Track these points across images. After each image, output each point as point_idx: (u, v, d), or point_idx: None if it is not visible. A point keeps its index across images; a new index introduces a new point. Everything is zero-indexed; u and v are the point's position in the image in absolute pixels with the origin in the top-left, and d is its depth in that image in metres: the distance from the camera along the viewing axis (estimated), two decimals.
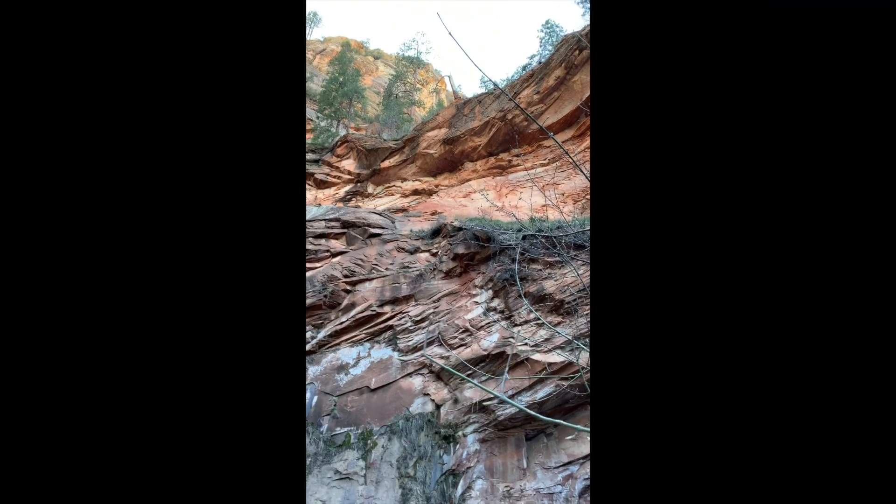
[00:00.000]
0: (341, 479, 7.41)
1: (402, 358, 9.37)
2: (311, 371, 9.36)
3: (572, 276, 8.91)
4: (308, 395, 8.88)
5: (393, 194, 17.43)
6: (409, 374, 9.08)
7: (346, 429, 8.22)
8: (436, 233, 12.63)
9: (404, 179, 17.65)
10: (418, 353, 9.42)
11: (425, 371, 9.19)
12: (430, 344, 9.53)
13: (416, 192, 17.27)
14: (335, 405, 8.65)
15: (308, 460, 7.74)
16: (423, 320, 10.04)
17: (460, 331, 9.46)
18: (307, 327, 10.61)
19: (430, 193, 17.05)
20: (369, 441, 7.95)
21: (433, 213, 15.18)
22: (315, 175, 18.44)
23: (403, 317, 10.18)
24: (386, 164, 17.86)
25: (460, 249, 10.94)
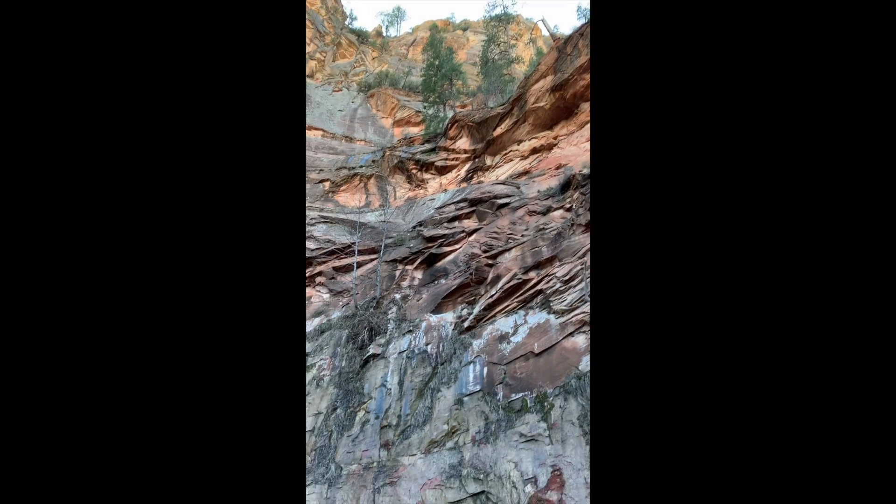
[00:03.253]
0: (527, 441, 7.71)
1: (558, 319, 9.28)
2: (476, 344, 9.88)
3: None
4: (478, 367, 9.41)
5: (512, 160, 17.13)
6: (571, 334, 8.94)
7: (520, 394, 8.51)
8: (565, 187, 12.08)
9: (520, 141, 17.17)
10: (577, 312, 9.22)
11: (587, 328, 8.94)
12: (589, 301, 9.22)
13: (534, 151, 16.68)
14: (505, 373, 9.01)
15: (492, 426, 8.24)
16: (572, 278, 9.76)
17: None
18: (461, 306, 11.19)
19: (550, 148, 16.29)
20: (546, 403, 8.10)
21: (558, 168, 14.51)
22: (435, 163, 19.12)
23: (551, 279, 10.04)
24: (498, 131, 17.59)
25: None
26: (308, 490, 8.95)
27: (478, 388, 9.04)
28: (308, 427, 10.21)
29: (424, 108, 25.62)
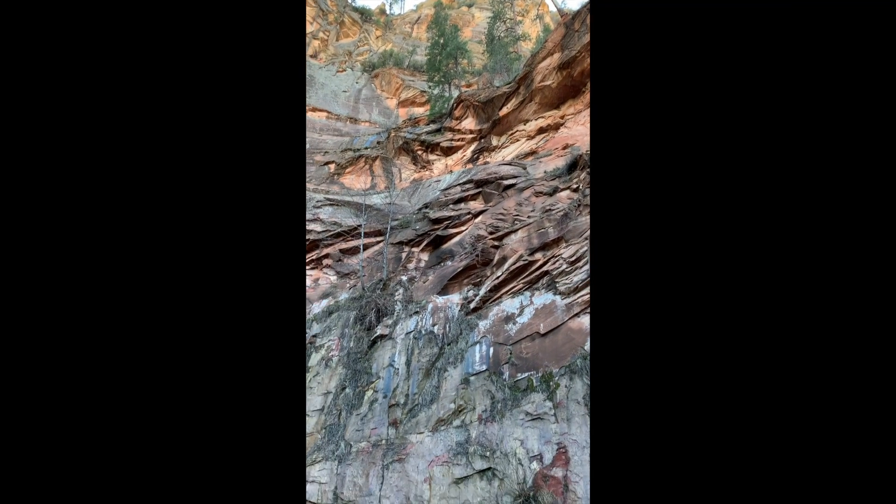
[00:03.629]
0: (533, 419, 7.83)
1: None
2: (482, 325, 9.96)
3: None
4: (484, 347, 9.50)
5: (518, 140, 16.94)
6: (577, 315, 8.97)
7: (526, 374, 8.60)
8: (572, 167, 11.96)
9: (526, 121, 16.95)
10: (582, 293, 9.23)
11: None
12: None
13: (541, 131, 16.47)
14: (511, 353, 9.09)
15: (499, 405, 8.36)
16: (578, 259, 9.74)
17: None
18: (467, 287, 11.24)
19: (556, 127, 16.08)
20: (551, 382, 8.19)
21: (564, 148, 14.35)
22: (440, 144, 18.96)
23: (557, 260, 10.03)
24: (504, 111, 17.36)
25: None
26: (318, 466, 9.19)
27: (484, 367, 9.15)
28: (318, 406, 10.43)
29: (429, 87, 25.25)
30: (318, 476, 9.00)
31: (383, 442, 9.07)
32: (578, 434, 7.23)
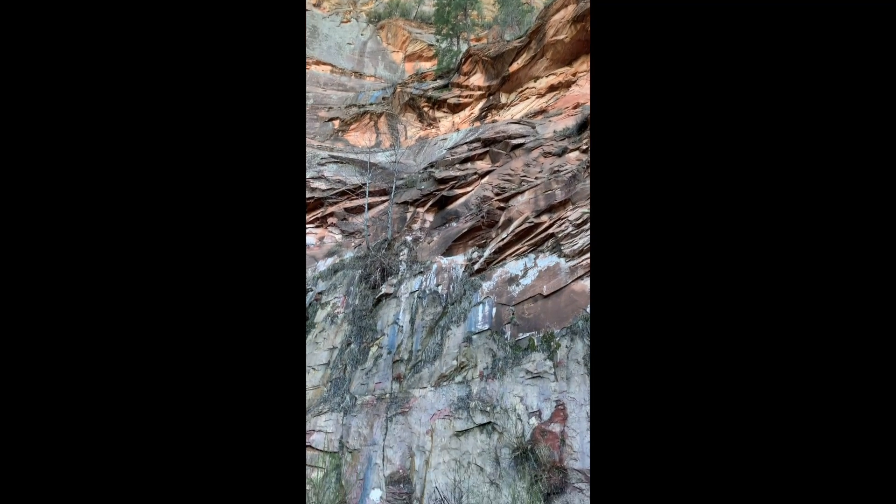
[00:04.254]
0: (533, 377, 8.04)
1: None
2: (485, 286, 10.05)
3: None
4: (487, 307, 9.63)
5: (528, 98, 16.42)
6: (580, 277, 9.00)
7: (527, 334, 8.75)
8: (582, 127, 11.64)
9: (537, 78, 16.36)
10: (587, 256, 9.21)
11: None
12: None
13: (552, 89, 15.93)
14: (513, 314, 9.21)
15: (500, 363, 8.57)
16: (584, 222, 9.66)
17: None
18: (472, 249, 11.25)
19: (568, 85, 15.53)
20: (552, 343, 8.34)
21: (575, 107, 13.91)
22: (448, 101, 18.44)
23: (563, 222, 9.95)
24: (514, 66, 16.73)
25: None
26: (324, 417, 9.58)
27: (486, 327, 9.31)
28: (323, 360, 10.74)
29: (437, 41, 24.26)
30: (325, 426, 9.40)
31: (387, 395, 9.38)
32: (577, 392, 7.43)
